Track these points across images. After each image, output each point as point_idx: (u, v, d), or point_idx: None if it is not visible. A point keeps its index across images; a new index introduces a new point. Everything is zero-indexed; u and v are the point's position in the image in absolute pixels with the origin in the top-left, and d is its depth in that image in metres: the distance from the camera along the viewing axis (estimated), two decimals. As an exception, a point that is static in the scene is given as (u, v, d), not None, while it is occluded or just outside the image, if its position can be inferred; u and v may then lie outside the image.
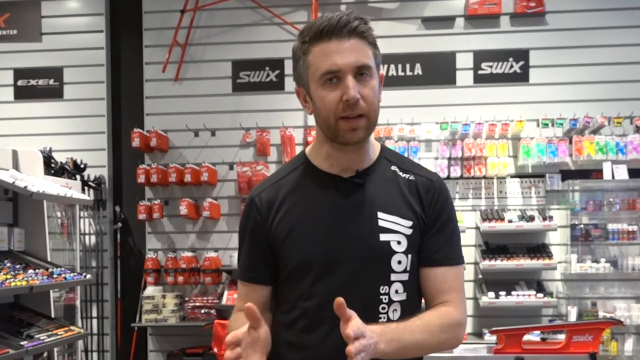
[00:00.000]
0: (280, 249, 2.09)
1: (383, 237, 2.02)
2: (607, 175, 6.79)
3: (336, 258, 2.01)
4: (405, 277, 2.04)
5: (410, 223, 2.05)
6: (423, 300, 2.17)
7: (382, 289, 2.02)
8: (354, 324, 1.74)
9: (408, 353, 1.95)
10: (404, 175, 2.13)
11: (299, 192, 2.12)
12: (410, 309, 2.05)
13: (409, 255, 2.05)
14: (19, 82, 7.84)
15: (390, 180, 2.11)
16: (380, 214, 2.04)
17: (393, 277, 2.03)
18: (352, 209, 2.05)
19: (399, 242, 2.03)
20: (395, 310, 2.04)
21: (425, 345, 1.99)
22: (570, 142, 6.97)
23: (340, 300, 1.74)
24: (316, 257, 2.04)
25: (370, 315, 1.86)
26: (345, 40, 1.93)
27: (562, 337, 5.57)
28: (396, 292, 2.03)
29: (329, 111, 1.97)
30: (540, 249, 6.93)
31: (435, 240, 2.09)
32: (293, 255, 2.07)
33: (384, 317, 2.02)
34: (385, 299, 2.02)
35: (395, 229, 2.03)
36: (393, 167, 2.14)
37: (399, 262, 2.03)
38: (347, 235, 2.03)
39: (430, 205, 2.09)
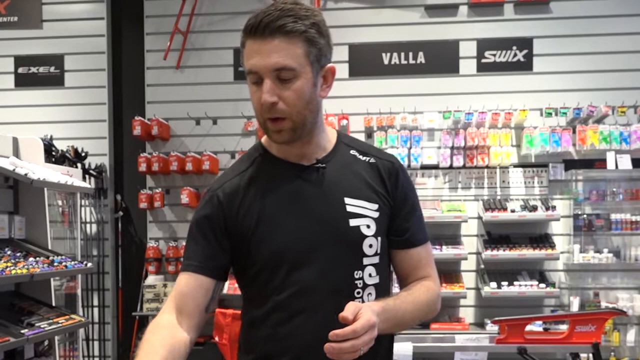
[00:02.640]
0: (249, 244, 2.04)
1: (353, 222, 2.02)
2: (610, 165, 6.75)
3: (308, 247, 2.00)
4: (376, 260, 2.06)
5: (376, 206, 2.06)
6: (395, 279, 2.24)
7: (357, 274, 2.02)
8: (364, 318, 1.74)
9: (397, 328, 2.01)
10: (364, 158, 2.13)
11: (262, 183, 2.08)
12: (383, 291, 2.07)
13: (379, 238, 2.06)
14: (20, 70, 7.81)
15: (351, 164, 2.10)
16: (347, 199, 2.04)
17: (365, 261, 2.04)
18: (318, 196, 2.04)
19: (368, 226, 2.03)
20: (370, 293, 2.04)
21: (414, 319, 2.05)
22: (574, 132, 6.93)
23: (342, 316, 1.73)
24: (288, 247, 2.01)
25: (346, 301, 1.82)
26: (267, 41, 1.88)
27: (564, 327, 5.56)
28: (369, 275, 2.04)
29: (256, 109, 1.96)
30: (542, 239, 6.91)
31: (407, 223, 2.12)
32: (263, 248, 2.03)
33: (360, 302, 1.99)
34: (359, 283, 2.02)
35: (363, 213, 2.04)
36: (352, 152, 2.14)
37: (370, 246, 2.04)
38: (317, 223, 2.01)
39: (394, 188, 2.11)
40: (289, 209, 2.03)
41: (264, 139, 2.15)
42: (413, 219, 2.13)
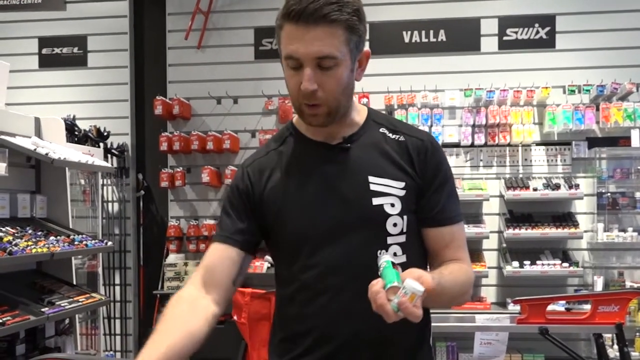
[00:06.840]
0: (274, 223, 2.06)
1: (376, 200, 1.99)
2: (635, 142, 6.67)
3: (331, 227, 1.98)
4: (402, 239, 2.01)
5: (402, 184, 2.02)
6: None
7: (380, 253, 1.96)
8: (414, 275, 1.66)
9: (433, 304, 1.89)
10: (394, 136, 2.09)
11: (289, 162, 2.09)
12: None
13: (405, 217, 2.01)
14: (44, 51, 7.88)
15: (378, 143, 2.07)
16: (371, 178, 2.00)
17: (389, 240, 1.99)
18: (342, 176, 2.02)
19: (392, 205, 1.99)
20: None
21: (451, 300, 2.00)
22: (597, 109, 6.85)
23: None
24: (311, 227, 2.01)
25: (370, 281, 1.80)
26: (311, 28, 1.84)
27: (587, 307, 5.51)
28: (394, 254, 1.98)
29: (292, 93, 1.96)
30: (566, 218, 6.85)
31: (436, 200, 2.05)
32: (287, 228, 2.04)
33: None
34: None
35: (387, 191, 2.00)
36: (382, 129, 2.10)
37: (395, 225, 1.99)
38: (340, 203, 2.00)
39: (423, 166, 2.05)
40: (313, 189, 2.03)
41: (295, 118, 2.16)
42: (443, 196, 2.07)
